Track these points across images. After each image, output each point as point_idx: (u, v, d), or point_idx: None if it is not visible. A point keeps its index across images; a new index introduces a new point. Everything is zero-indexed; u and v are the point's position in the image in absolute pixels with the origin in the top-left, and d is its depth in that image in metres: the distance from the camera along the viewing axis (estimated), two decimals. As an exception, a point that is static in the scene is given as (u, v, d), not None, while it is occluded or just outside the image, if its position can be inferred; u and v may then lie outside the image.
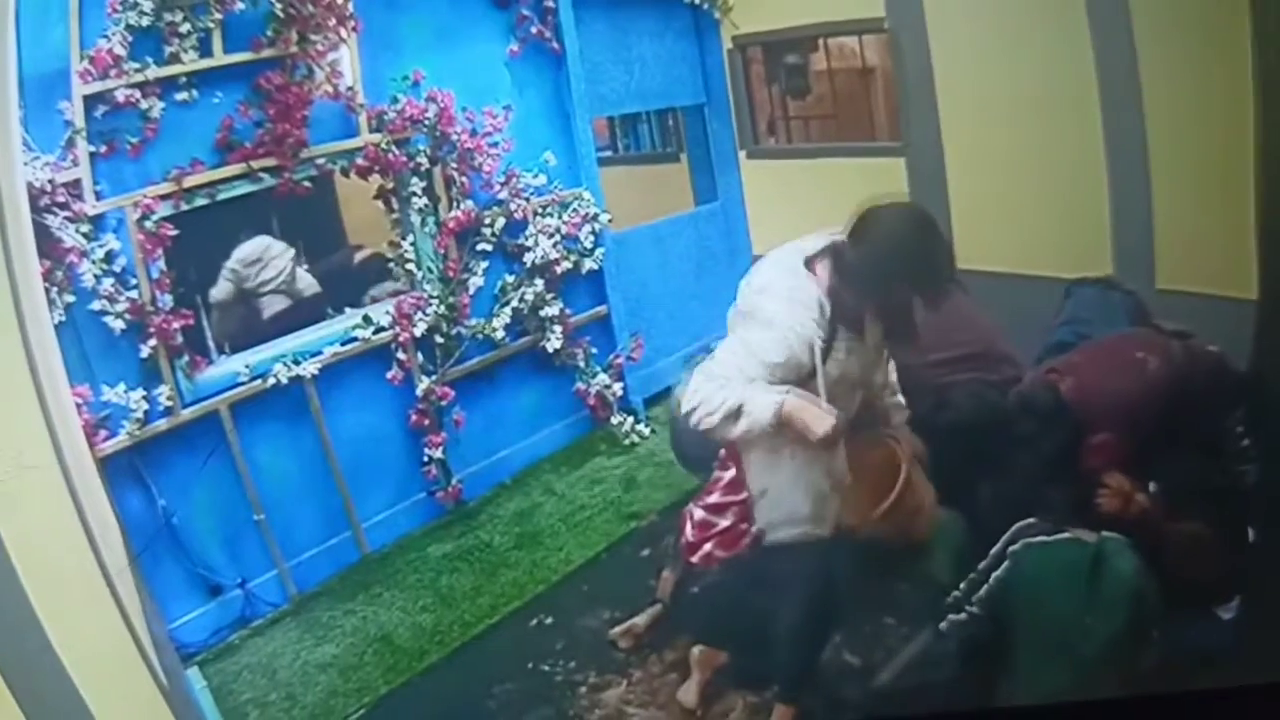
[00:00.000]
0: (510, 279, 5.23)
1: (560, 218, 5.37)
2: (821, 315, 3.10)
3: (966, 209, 5.13)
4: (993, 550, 3.48)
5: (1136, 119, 4.55)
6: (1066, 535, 3.44)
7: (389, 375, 4.84)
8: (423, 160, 4.88)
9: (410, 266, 4.91)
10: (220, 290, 5.13)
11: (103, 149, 4.11)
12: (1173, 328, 3.69)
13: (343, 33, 4.63)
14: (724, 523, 3.60)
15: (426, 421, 4.92)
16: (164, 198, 4.24)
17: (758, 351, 3.08)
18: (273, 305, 5.18)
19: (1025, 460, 3.58)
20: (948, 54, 5.09)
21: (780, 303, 3.10)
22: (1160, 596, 3.35)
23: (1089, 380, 3.59)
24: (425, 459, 4.95)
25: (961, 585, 3.51)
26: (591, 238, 5.48)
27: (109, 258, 4.11)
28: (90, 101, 4.07)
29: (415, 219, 4.90)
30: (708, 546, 3.71)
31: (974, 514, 3.61)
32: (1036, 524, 3.46)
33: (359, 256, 5.49)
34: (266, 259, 5.15)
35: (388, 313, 4.83)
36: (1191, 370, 3.56)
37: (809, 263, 3.17)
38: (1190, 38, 4.31)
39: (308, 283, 5.31)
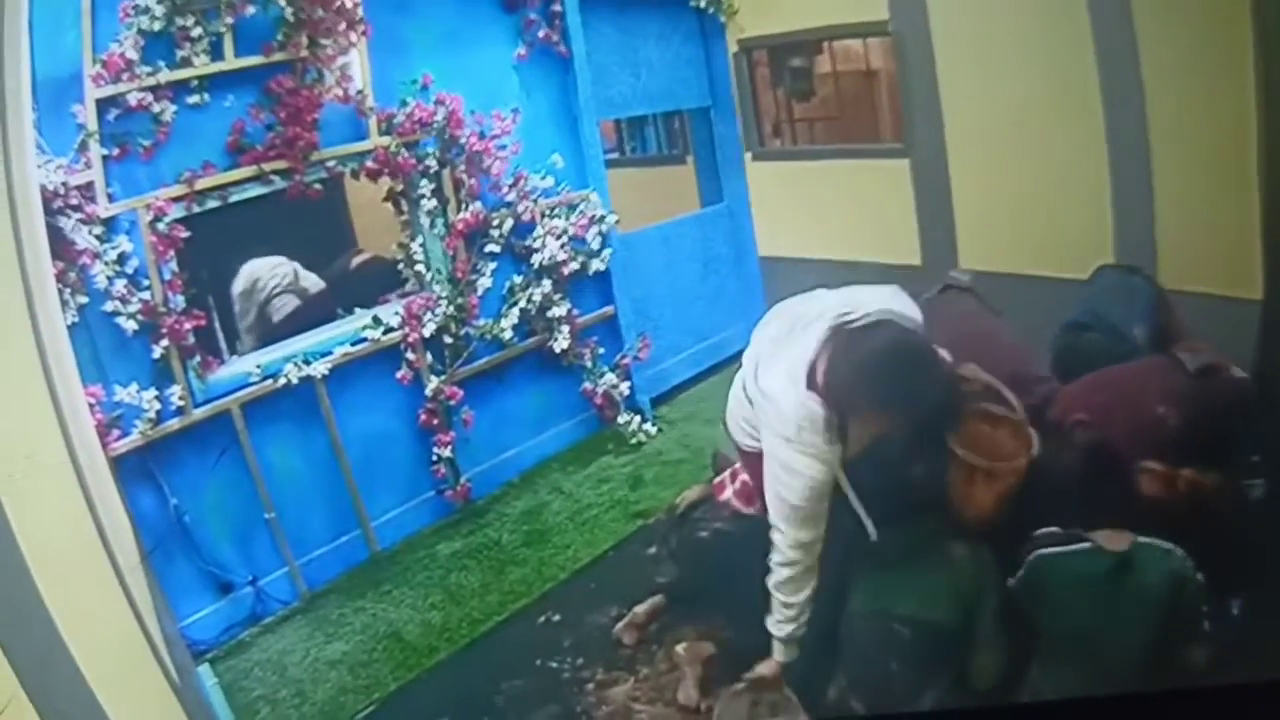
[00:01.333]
0: (518, 280, 5.26)
1: (568, 219, 5.39)
2: (828, 430, 3.18)
3: (970, 210, 5.16)
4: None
5: (1139, 120, 4.56)
6: (1086, 545, 3.37)
7: (398, 375, 4.87)
8: (432, 163, 4.91)
9: (419, 268, 4.94)
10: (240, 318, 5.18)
11: (115, 152, 4.14)
12: (1199, 364, 3.59)
13: (352, 37, 4.66)
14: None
15: (435, 421, 4.95)
16: (176, 200, 4.27)
17: (790, 498, 3.25)
18: (283, 308, 5.19)
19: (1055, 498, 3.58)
20: (951, 56, 5.10)
21: (790, 426, 3.20)
22: (1204, 594, 3.32)
23: (1111, 431, 3.58)
24: (434, 458, 4.98)
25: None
26: (599, 239, 5.50)
27: (121, 259, 4.15)
28: (103, 105, 4.11)
29: (424, 221, 4.94)
30: (728, 492, 4.01)
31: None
32: (1055, 534, 3.41)
33: (360, 259, 5.50)
34: (262, 276, 5.16)
35: (397, 313, 4.86)
36: (1211, 411, 3.53)
37: (811, 372, 3.22)
38: (1192, 39, 4.32)
39: (312, 281, 5.32)
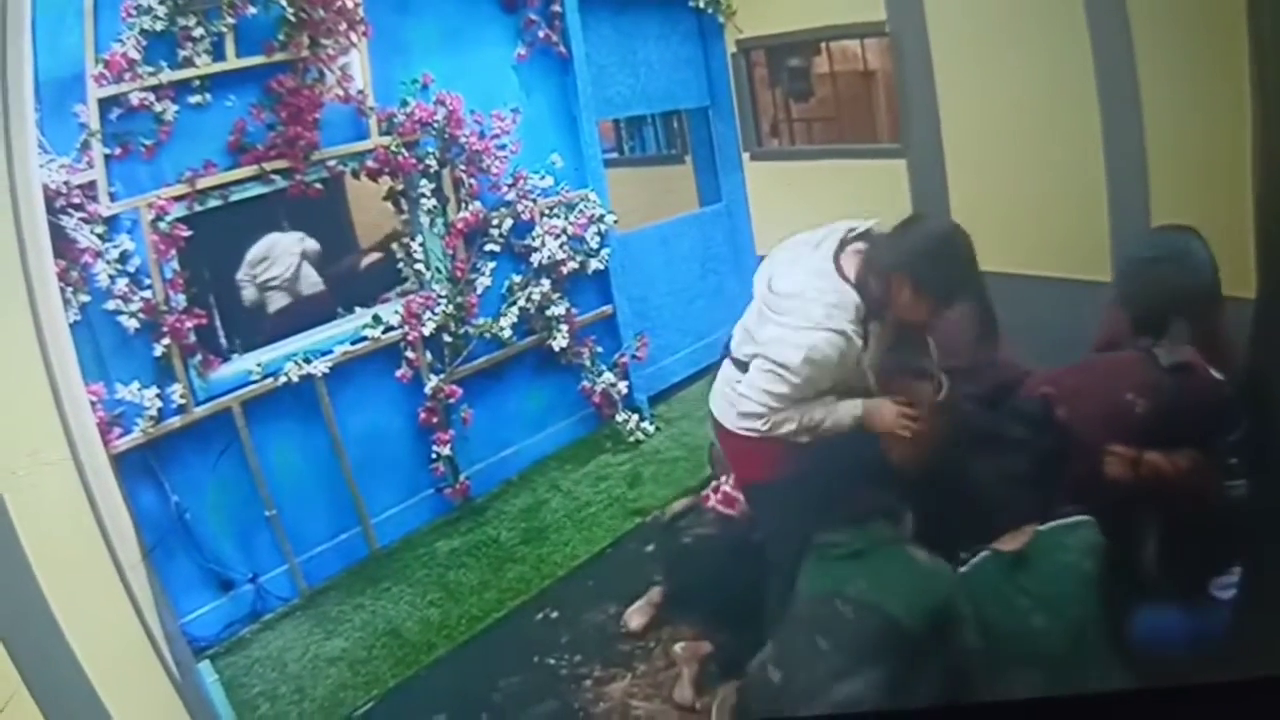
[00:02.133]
0: (517, 279, 5.27)
1: (567, 219, 5.40)
2: (858, 315, 3.21)
3: (967, 210, 5.13)
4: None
5: (1135, 120, 4.57)
6: (986, 553, 3.52)
7: (398, 374, 4.89)
8: (432, 162, 4.92)
9: (419, 267, 4.96)
10: (241, 293, 5.16)
11: (117, 151, 4.16)
12: (1173, 361, 3.67)
13: (353, 37, 4.67)
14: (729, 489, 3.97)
15: (435, 419, 4.96)
16: (177, 199, 4.29)
17: (805, 368, 3.23)
18: (277, 302, 5.19)
19: (1006, 464, 3.63)
20: (948, 57, 5.10)
21: (816, 308, 3.20)
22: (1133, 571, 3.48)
23: (1078, 410, 3.63)
24: (433, 456, 4.99)
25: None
26: (597, 238, 5.51)
27: (123, 258, 4.17)
28: (105, 104, 4.13)
29: (424, 220, 4.95)
30: (713, 500, 4.16)
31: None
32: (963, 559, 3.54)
33: (366, 261, 5.49)
34: (273, 256, 5.15)
35: (397, 312, 4.88)
36: (1181, 407, 3.58)
37: (835, 258, 3.27)
38: (1189, 39, 4.32)
39: (312, 281, 5.32)
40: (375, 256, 5.35)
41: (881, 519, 3.56)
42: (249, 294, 5.06)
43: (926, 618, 3.34)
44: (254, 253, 5.07)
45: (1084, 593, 3.40)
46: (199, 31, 4.28)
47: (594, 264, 5.53)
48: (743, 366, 3.45)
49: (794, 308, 3.25)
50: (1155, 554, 3.59)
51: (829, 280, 3.24)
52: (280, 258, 5.06)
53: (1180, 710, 3.38)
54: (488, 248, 5.15)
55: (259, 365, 4.54)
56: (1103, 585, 3.42)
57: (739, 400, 3.40)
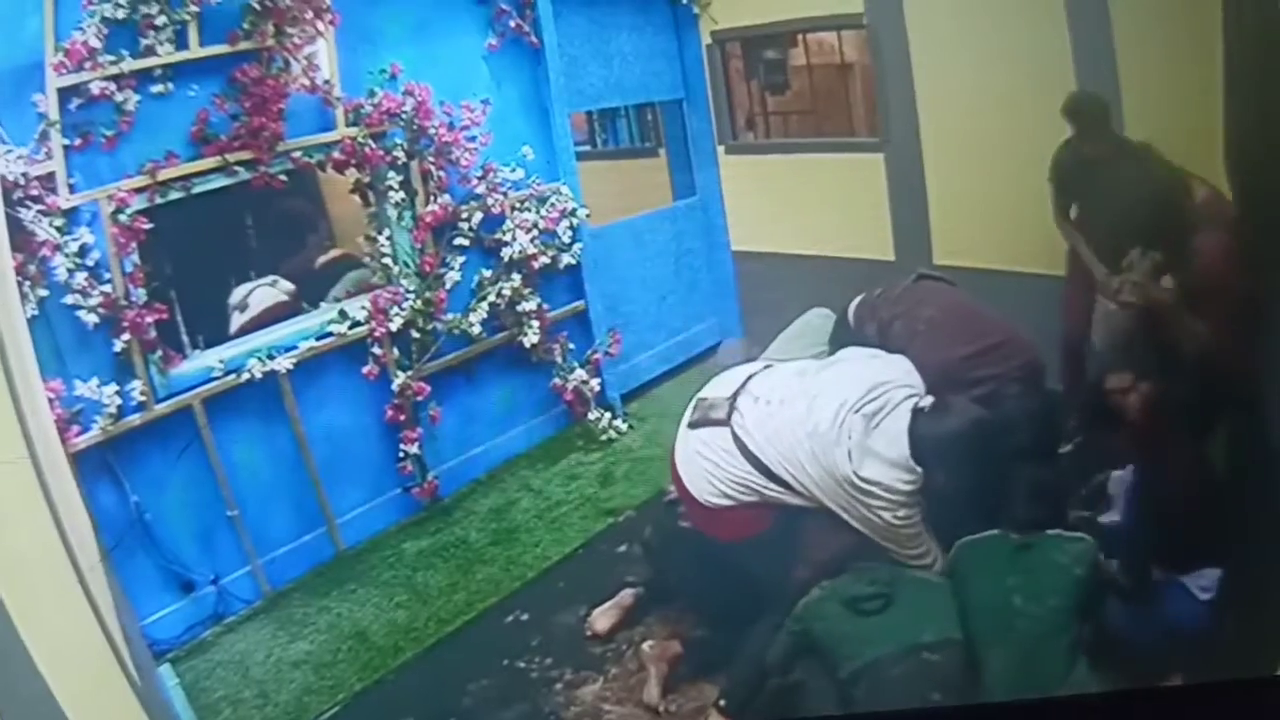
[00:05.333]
0: (487, 274, 5.21)
1: (538, 212, 5.35)
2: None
3: (944, 205, 5.17)
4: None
5: (1114, 113, 4.57)
6: (995, 532, 3.67)
7: (364, 370, 4.82)
8: (400, 154, 4.86)
9: (387, 261, 4.89)
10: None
11: (77, 142, 4.08)
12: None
13: (320, 26, 4.61)
14: None
15: (402, 417, 4.90)
16: (138, 191, 4.21)
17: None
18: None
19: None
20: (926, 50, 5.11)
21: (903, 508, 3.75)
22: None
23: None
24: (401, 455, 4.93)
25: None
26: (569, 232, 5.46)
27: (82, 251, 4.09)
28: (65, 94, 4.04)
29: (392, 213, 4.89)
30: None
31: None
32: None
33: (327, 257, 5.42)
34: (252, 302, 5.05)
35: (363, 308, 4.81)
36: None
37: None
38: (1166, 34, 4.34)
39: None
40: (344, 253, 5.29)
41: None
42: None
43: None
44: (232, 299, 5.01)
45: (1067, 589, 3.52)
46: (161, 20, 4.20)
47: (566, 259, 5.48)
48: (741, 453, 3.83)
49: (880, 491, 3.71)
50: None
51: (908, 469, 3.72)
52: (256, 305, 4.98)
53: (1161, 711, 3.41)
54: (457, 242, 5.09)
55: (221, 361, 4.47)
56: (1085, 589, 3.54)
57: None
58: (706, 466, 3.83)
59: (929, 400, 3.81)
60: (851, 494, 3.68)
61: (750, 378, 4.02)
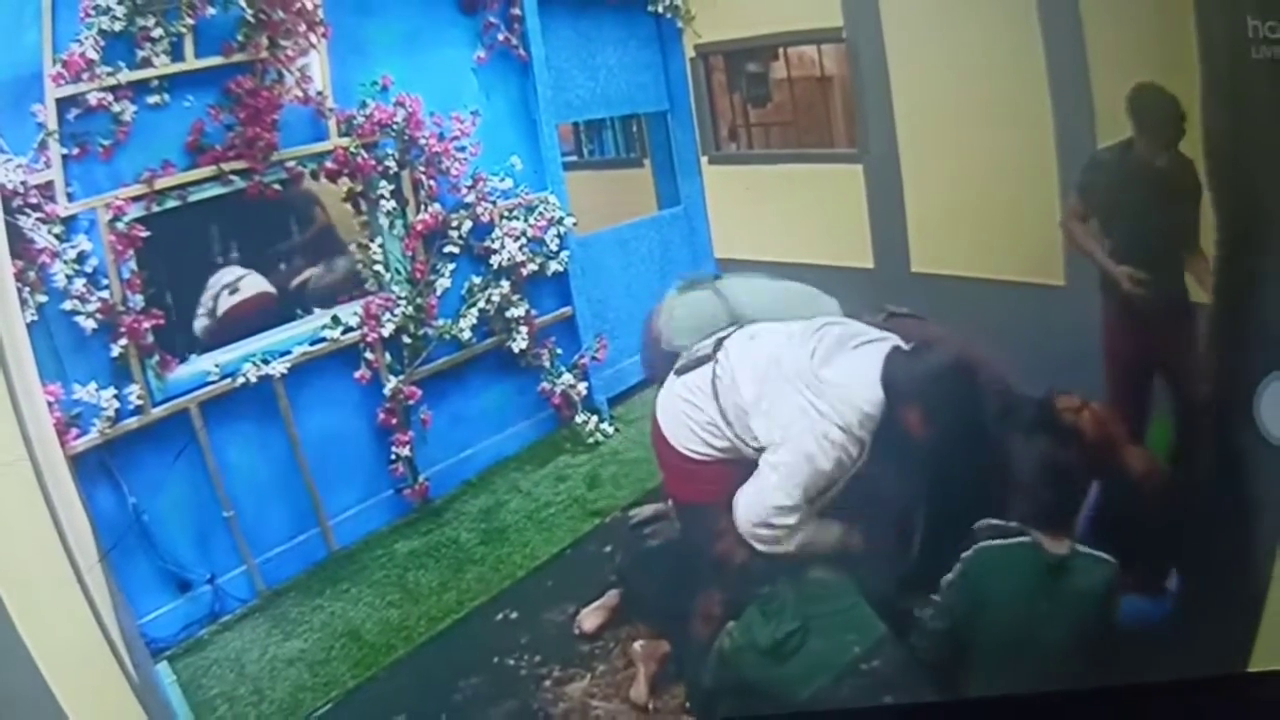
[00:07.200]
0: (477, 280, 5.26)
1: (526, 221, 5.39)
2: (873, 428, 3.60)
3: (922, 215, 5.19)
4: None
5: (1088, 125, 4.62)
6: (1027, 540, 3.55)
7: (357, 375, 4.87)
8: (391, 164, 4.91)
9: (378, 268, 4.95)
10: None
11: (75, 151, 4.14)
12: None
13: (313, 38, 4.66)
14: None
15: (394, 420, 4.95)
16: (135, 199, 4.27)
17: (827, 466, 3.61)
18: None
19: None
20: (904, 63, 5.14)
21: (852, 412, 3.60)
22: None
23: None
24: (392, 457, 4.97)
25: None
26: (557, 240, 5.50)
27: (81, 258, 4.14)
28: (63, 104, 4.09)
29: (383, 221, 4.94)
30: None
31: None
32: (997, 526, 3.56)
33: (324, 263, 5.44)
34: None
35: (356, 313, 4.86)
36: None
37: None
38: (1141, 47, 4.39)
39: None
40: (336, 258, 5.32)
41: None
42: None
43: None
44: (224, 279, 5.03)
45: (1085, 620, 3.52)
46: (158, 32, 4.26)
47: (553, 266, 5.51)
48: (713, 394, 3.74)
49: (836, 398, 3.53)
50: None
51: (874, 391, 3.51)
52: (248, 289, 5.00)
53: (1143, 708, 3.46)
54: (447, 249, 5.14)
55: (217, 366, 4.52)
56: (1105, 613, 3.54)
57: (770, 493, 3.59)
58: (686, 410, 3.87)
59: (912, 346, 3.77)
60: (804, 396, 3.62)
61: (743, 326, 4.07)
